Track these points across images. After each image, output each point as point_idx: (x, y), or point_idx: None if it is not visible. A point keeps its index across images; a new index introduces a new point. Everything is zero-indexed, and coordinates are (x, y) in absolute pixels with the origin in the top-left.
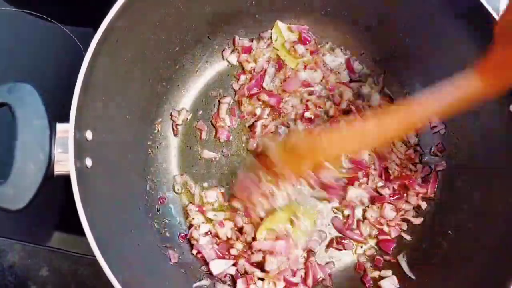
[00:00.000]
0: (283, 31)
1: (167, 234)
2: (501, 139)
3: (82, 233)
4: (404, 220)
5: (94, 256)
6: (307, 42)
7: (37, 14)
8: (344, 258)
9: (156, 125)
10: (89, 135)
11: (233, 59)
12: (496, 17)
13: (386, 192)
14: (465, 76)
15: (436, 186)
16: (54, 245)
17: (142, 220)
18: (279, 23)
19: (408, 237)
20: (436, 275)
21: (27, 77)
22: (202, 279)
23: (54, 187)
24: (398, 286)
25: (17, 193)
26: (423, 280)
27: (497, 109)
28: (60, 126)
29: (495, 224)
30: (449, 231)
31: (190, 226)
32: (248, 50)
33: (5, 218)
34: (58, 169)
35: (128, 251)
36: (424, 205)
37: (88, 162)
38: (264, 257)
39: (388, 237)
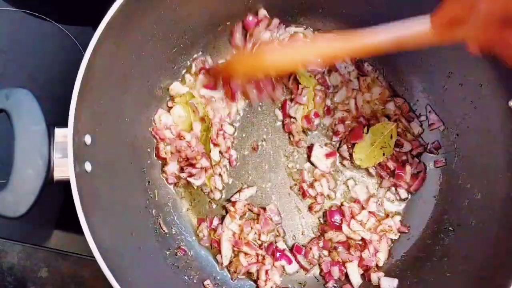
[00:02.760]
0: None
1: (168, 237)
2: (501, 135)
3: (81, 233)
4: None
5: (94, 257)
6: None
7: (36, 13)
8: None
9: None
10: (88, 139)
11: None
12: None
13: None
14: (420, 20)
15: (422, 184)
16: (53, 246)
17: (143, 223)
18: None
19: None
20: (437, 271)
21: (25, 78)
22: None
23: (54, 189)
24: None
25: (17, 200)
26: (425, 276)
27: (497, 105)
28: (58, 131)
29: (496, 220)
30: (450, 228)
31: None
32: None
33: (5, 220)
34: (58, 175)
35: (129, 253)
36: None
37: (88, 166)
38: None
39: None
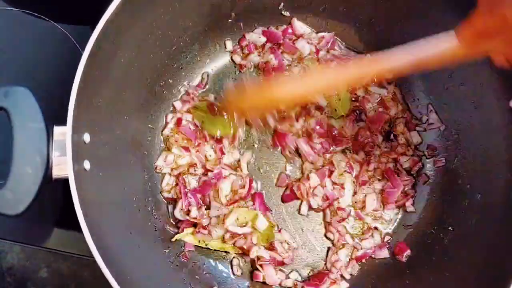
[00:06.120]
0: None
1: (168, 235)
2: (501, 134)
3: (81, 232)
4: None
5: (93, 257)
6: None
7: (34, 13)
8: None
9: (155, 125)
10: (86, 137)
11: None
12: None
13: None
14: (444, 36)
15: (414, 201)
16: (53, 246)
17: (142, 221)
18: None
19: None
20: (437, 271)
21: (24, 78)
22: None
23: (53, 187)
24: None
25: (16, 198)
26: (424, 276)
27: (497, 104)
28: (57, 129)
29: (495, 220)
30: (450, 228)
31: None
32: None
33: (4, 220)
34: (56, 173)
35: (128, 252)
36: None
37: (87, 165)
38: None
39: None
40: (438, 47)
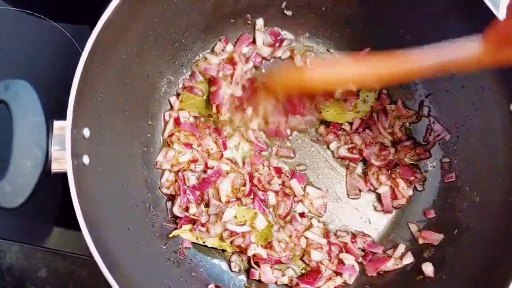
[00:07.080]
0: None
1: (165, 232)
2: (501, 137)
3: (80, 232)
4: None
5: (92, 257)
6: None
7: (34, 13)
8: None
9: (155, 121)
10: (86, 132)
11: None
12: (496, 13)
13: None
14: (469, 40)
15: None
16: (52, 246)
17: (140, 217)
18: None
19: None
20: (435, 271)
21: (24, 74)
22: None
23: (53, 185)
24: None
25: (14, 191)
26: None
27: (498, 107)
28: (57, 123)
29: (495, 222)
30: (449, 229)
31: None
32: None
33: (3, 219)
34: (55, 167)
35: (125, 248)
36: None
37: (86, 159)
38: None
39: None
40: (463, 51)
